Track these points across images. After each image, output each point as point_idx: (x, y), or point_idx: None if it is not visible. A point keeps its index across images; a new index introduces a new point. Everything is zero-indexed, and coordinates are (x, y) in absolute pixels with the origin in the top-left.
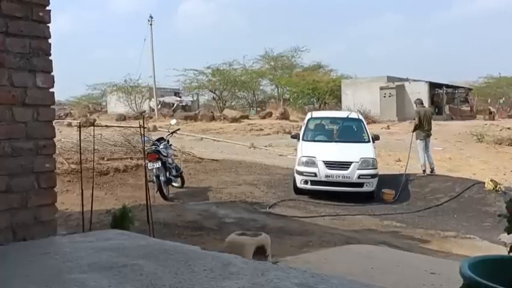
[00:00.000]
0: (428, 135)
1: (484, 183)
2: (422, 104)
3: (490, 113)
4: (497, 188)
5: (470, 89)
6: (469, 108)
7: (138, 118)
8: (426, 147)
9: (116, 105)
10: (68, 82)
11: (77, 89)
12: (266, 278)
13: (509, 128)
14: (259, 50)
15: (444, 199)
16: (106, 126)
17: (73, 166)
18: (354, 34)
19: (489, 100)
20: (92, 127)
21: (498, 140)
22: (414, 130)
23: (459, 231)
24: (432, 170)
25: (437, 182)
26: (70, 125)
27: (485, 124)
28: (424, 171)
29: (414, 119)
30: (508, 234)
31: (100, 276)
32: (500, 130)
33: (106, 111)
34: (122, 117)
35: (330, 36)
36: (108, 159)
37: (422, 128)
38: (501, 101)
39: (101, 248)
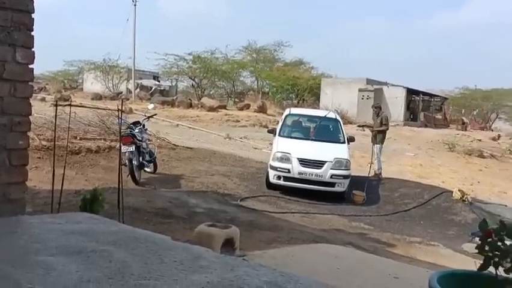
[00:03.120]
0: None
1: (452, 192)
2: (382, 109)
3: (463, 123)
4: (464, 198)
5: (445, 98)
6: (442, 117)
7: (114, 99)
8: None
9: (92, 83)
10: (45, 56)
11: (53, 63)
12: (235, 274)
13: (479, 140)
14: (242, 41)
15: (413, 205)
16: (83, 106)
17: (44, 143)
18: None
19: (463, 111)
20: (67, 105)
21: (468, 151)
22: (384, 132)
23: (424, 237)
24: (377, 173)
25: (407, 187)
26: (43, 100)
27: (457, 134)
28: (378, 174)
29: (384, 123)
30: (479, 253)
31: (68, 261)
32: (471, 141)
33: (82, 89)
34: (98, 97)
35: (314, 34)
36: (81, 139)
37: (385, 133)
38: (474, 112)
39: (70, 231)
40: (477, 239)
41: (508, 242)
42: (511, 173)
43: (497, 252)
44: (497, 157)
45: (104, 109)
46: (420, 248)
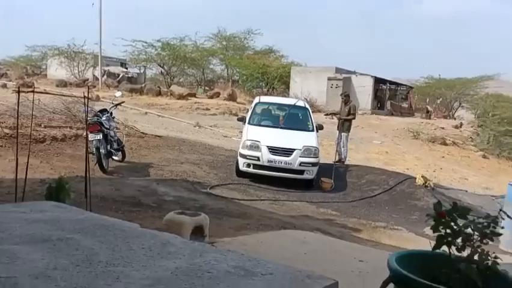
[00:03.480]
0: None
1: (415, 178)
2: (350, 97)
3: (427, 112)
4: (426, 184)
5: (411, 87)
6: (408, 106)
7: (80, 86)
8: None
9: (57, 70)
10: (5, 41)
11: (14, 48)
12: (204, 260)
13: (443, 128)
14: (212, 28)
15: (378, 191)
16: (47, 92)
17: (6, 131)
18: (308, 23)
19: (427, 100)
20: (30, 91)
21: (432, 138)
22: (350, 121)
23: (389, 222)
24: (342, 161)
25: (373, 174)
26: (4, 86)
27: (422, 122)
28: (343, 162)
29: (352, 113)
30: (434, 232)
31: (33, 249)
32: (435, 129)
33: (46, 75)
34: (63, 84)
35: (284, 23)
36: (45, 127)
37: (351, 122)
38: (438, 101)
39: (35, 220)
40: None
41: (460, 223)
42: (471, 160)
43: (449, 232)
44: (459, 144)
45: (69, 96)
46: (385, 232)
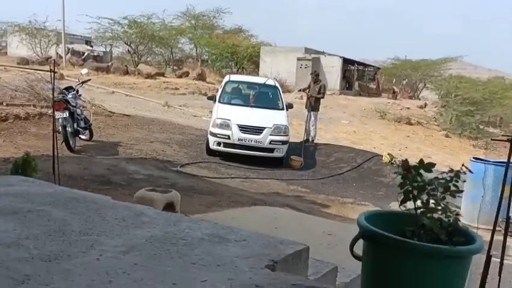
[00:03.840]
0: None
1: (382, 156)
2: (319, 76)
3: (394, 92)
4: (392, 161)
5: (378, 68)
6: (375, 86)
7: (43, 64)
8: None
9: (18, 47)
10: None
11: None
12: (178, 228)
13: (408, 108)
14: (180, 6)
15: (346, 169)
16: (12, 66)
17: None
18: (277, 3)
19: (394, 80)
20: None
21: (398, 118)
22: (319, 100)
23: (356, 198)
24: (312, 139)
25: (342, 152)
26: None
27: (388, 102)
28: (313, 141)
29: (322, 92)
30: (401, 188)
31: (3, 220)
32: (401, 109)
33: (6, 53)
34: (24, 61)
35: (254, 2)
36: (7, 105)
37: (320, 101)
38: (404, 82)
39: (3, 193)
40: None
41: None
42: (435, 139)
43: (415, 185)
44: (423, 124)
45: (35, 70)
46: (353, 207)
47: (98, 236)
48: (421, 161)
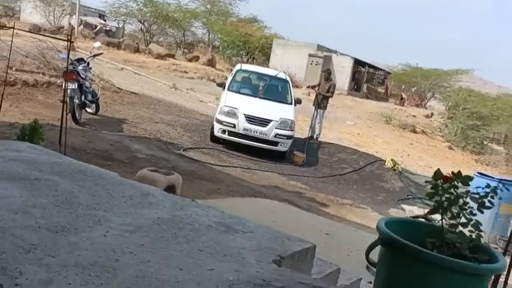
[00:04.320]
0: None
1: (385, 161)
2: (331, 75)
3: (401, 98)
4: (395, 168)
5: (389, 73)
6: (384, 91)
7: (55, 33)
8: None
9: (31, 13)
10: None
11: None
12: (185, 213)
13: (414, 116)
14: None
15: (348, 170)
16: (29, 31)
17: None
18: None
19: (403, 87)
20: (9, 28)
21: (403, 125)
22: (328, 99)
23: (355, 200)
24: (316, 137)
25: (345, 153)
26: None
27: (395, 108)
28: (317, 138)
29: (331, 91)
30: (430, 199)
31: (10, 186)
32: (407, 116)
33: (19, 18)
34: (37, 29)
35: None
36: (17, 70)
37: (328, 100)
38: (413, 89)
39: (10, 158)
40: (402, 205)
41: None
42: (438, 150)
43: (448, 198)
44: (427, 133)
45: (51, 37)
46: (351, 209)
47: (105, 212)
48: (459, 172)
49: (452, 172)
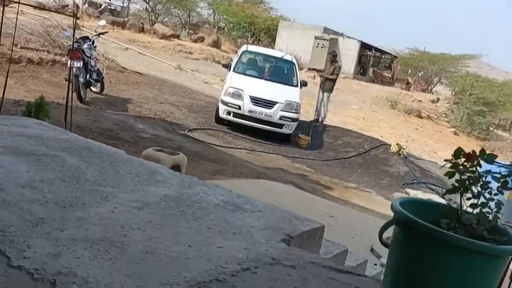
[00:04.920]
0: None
1: (390, 145)
2: (336, 58)
3: (408, 83)
4: (400, 152)
5: (395, 57)
6: (390, 75)
7: (59, 12)
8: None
9: None
10: None
11: None
12: (193, 191)
13: (420, 101)
14: None
15: (353, 153)
16: (35, 6)
17: None
18: None
19: (409, 71)
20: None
21: (408, 110)
22: (333, 82)
23: (360, 184)
24: (321, 120)
25: (350, 137)
26: None
27: (401, 93)
28: (322, 121)
29: (335, 73)
30: (449, 178)
31: (17, 160)
32: (412, 101)
33: None
34: (41, 6)
35: None
36: (22, 47)
37: (335, 82)
38: (419, 74)
39: (17, 134)
40: (407, 189)
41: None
42: (443, 135)
43: (469, 176)
44: (433, 119)
45: (58, 12)
46: (355, 193)
47: (113, 188)
48: (483, 150)
49: (473, 151)
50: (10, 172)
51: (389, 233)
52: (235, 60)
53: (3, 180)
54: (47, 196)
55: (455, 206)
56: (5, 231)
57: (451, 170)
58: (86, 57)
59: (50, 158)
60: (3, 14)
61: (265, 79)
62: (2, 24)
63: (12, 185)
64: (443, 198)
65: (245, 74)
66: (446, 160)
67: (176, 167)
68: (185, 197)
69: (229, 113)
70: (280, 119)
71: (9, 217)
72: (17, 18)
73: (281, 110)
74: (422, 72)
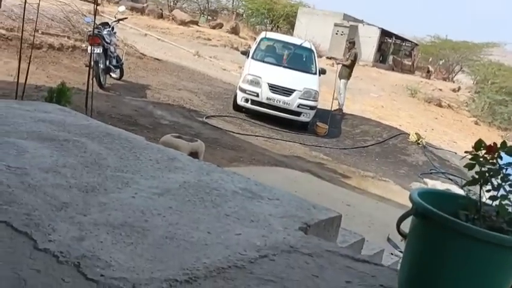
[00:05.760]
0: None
1: (409, 134)
2: (355, 45)
3: (428, 71)
4: (419, 141)
5: (416, 45)
6: (410, 63)
7: None
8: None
9: None
10: None
11: None
12: (211, 178)
13: (440, 90)
14: None
15: (371, 142)
16: None
17: (2, 32)
18: None
19: (430, 59)
20: None
21: (428, 99)
22: (350, 68)
23: (377, 173)
24: (340, 108)
25: (368, 125)
26: None
27: (421, 81)
28: (341, 109)
29: (351, 59)
30: (469, 170)
31: (41, 146)
32: (433, 90)
33: None
34: None
35: None
36: (43, 33)
37: (351, 69)
38: (441, 62)
39: (40, 119)
40: (425, 179)
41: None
42: (463, 124)
43: (490, 168)
44: (453, 108)
45: None
46: (373, 182)
47: (133, 174)
48: (504, 142)
49: (494, 143)
50: (34, 157)
51: (405, 223)
52: (253, 47)
53: (28, 165)
54: (70, 181)
55: (474, 197)
56: (31, 215)
57: (471, 161)
58: (106, 43)
59: (72, 144)
60: (25, 4)
61: (284, 66)
62: (24, 10)
63: (36, 170)
64: (462, 189)
65: (263, 61)
66: (466, 152)
67: (194, 154)
68: (203, 184)
69: (247, 100)
70: (298, 106)
71: (35, 201)
72: (39, 4)
73: (299, 98)
74: (444, 61)
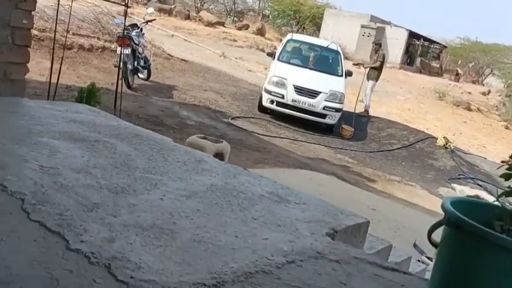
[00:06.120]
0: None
1: (437, 138)
2: (381, 47)
3: (457, 74)
4: (447, 146)
5: (445, 47)
6: (438, 65)
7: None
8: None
9: None
10: None
11: None
12: (238, 181)
13: (469, 93)
14: None
15: (397, 146)
16: None
17: (35, 32)
18: None
19: (459, 62)
20: None
21: (457, 102)
22: (378, 70)
23: (404, 177)
24: (367, 110)
25: (395, 128)
26: None
27: (450, 84)
28: (367, 111)
29: (378, 60)
30: (506, 180)
31: (72, 146)
32: (462, 93)
33: None
34: None
35: None
36: (74, 34)
37: (380, 70)
38: (470, 65)
39: (71, 119)
40: (453, 184)
41: None
42: (493, 128)
43: None
44: (483, 112)
45: (109, 1)
46: (399, 186)
47: (161, 176)
48: None
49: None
50: (66, 157)
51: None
52: (279, 49)
53: (60, 165)
54: (100, 182)
55: (509, 207)
56: (63, 215)
57: (508, 171)
58: (134, 45)
59: (102, 145)
60: (59, 1)
61: (310, 68)
62: (58, 11)
63: (68, 170)
64: (497, 199)
65: (289, 63)
66: (503, 162)
67: (219, 155)
68: (230, 187)
69: (272, 101)
70: (323, 109)
71: (67, 201)
72: (71, 5)
73: (325, 100)
74: (473, 63)
